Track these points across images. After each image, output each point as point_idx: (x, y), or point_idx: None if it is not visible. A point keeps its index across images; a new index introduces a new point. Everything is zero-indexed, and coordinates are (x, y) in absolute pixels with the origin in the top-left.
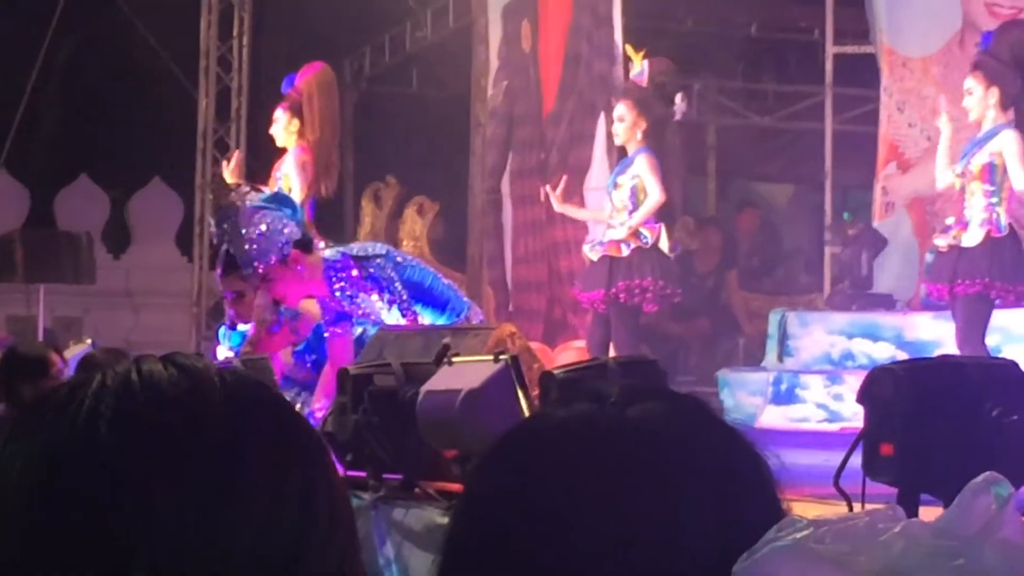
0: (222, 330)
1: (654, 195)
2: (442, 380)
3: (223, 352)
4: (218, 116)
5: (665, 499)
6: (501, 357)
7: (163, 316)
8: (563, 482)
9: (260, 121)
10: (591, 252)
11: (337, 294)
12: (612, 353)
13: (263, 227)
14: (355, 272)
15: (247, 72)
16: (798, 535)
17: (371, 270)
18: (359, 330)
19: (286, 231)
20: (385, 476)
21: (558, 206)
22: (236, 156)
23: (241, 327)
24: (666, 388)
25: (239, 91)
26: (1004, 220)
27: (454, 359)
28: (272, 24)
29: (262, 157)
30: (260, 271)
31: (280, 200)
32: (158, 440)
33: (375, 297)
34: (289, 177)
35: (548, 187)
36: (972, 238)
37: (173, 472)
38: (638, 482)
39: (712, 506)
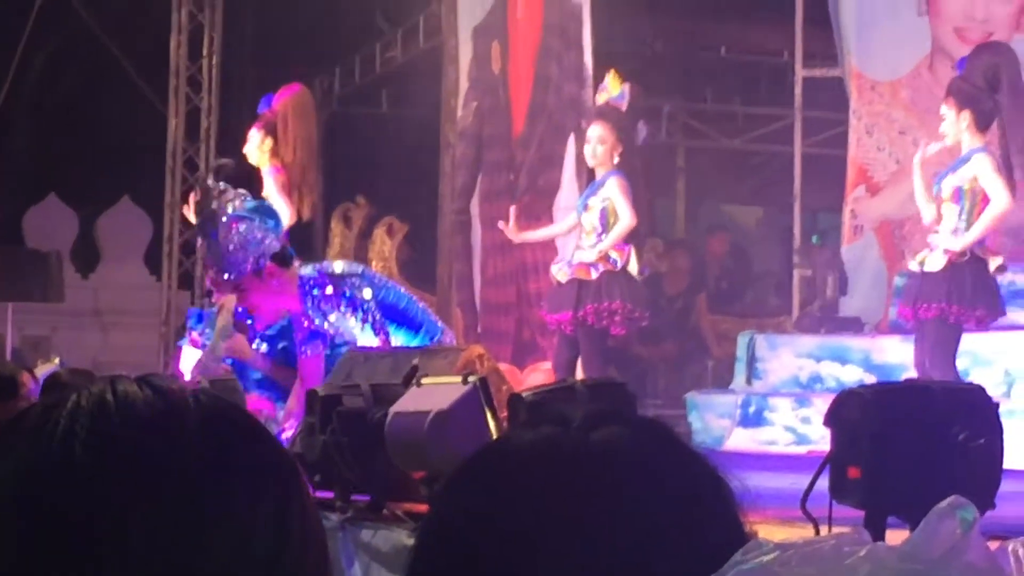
0: (192, 311)
1: (625, 218)
2: (410, 401)
3: (188, 355)
4: (188, 135)
5: (629, 523)
6: (470, 379)
7: (132, 335)
8: (528, 505)
9: (229, 141)
10: (559, 273)
11: (310, 311)
12: (580, 375)
13: (240, 237)
14: (330, 290)
15: (217, 92)
16: (764, 559)
17: (346, 289)
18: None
19: (265, 243)
20: (353, 497)
21: (516, 237)
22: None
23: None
24: (630, 412)
25: (209, 111)
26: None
27: (423, 380)
28: (242, 44)
29: (231, 177)
30: (233, 280)
31: (263, 211)
32: (132, 462)
33: (349, 316)
34: (271, 198)
35: (503, 221)
36: (935, 262)
37: (147, 494)
38: (602, 506)
39: (676, 530)
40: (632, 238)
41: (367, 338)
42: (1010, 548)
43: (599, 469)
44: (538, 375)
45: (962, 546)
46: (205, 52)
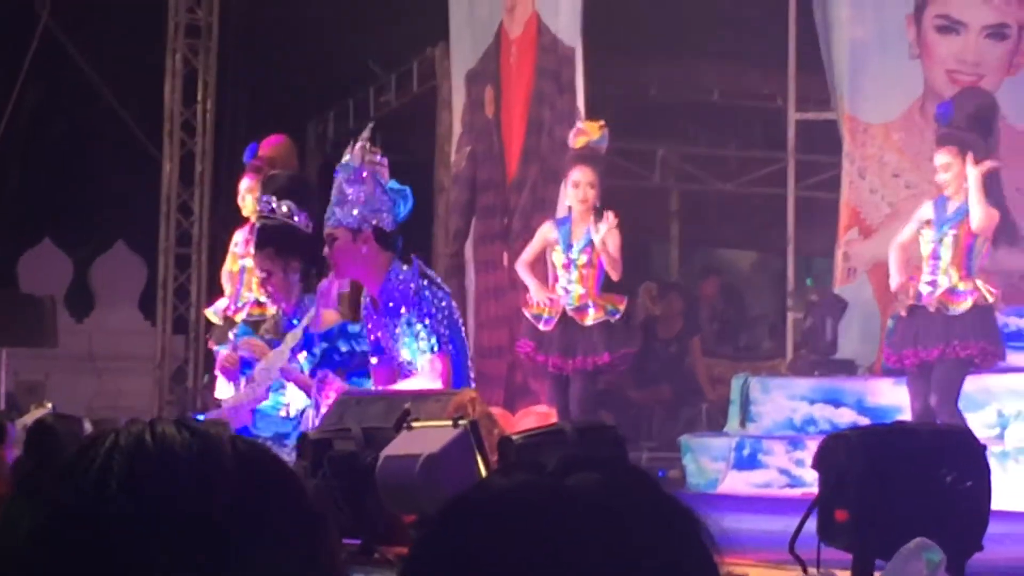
0: (241, 328)
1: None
2: (402, 445)
3: (223, 351)
4: (182, 180)
5: (600, 567)
6: (460, 422)
7: (126, 380)
8: (501, 550)
9: (224, 185)
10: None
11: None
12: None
13: (361, 195)
14: (412, 286)
15: (211, 136)
16: None
17: (427, 294)
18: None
19: (380, 213)
20: (344, 540)
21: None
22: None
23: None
24: (607, 458)
25: (203, 155)
26: (984, 288)
27: (414, 424)
28: (236, 89)
29: (226, 221)
30: (330, 226)
31: (399, 193)
32: (167, 506)
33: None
34: None
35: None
36: (962, 307)
37: (177, 540)
38: (573, 551)
39: (648, 573)
40: (621, 285)
41: (414, 353)
42: None
43: (571, 515)
44: (531, 419)
45: None
46: (199, 97)
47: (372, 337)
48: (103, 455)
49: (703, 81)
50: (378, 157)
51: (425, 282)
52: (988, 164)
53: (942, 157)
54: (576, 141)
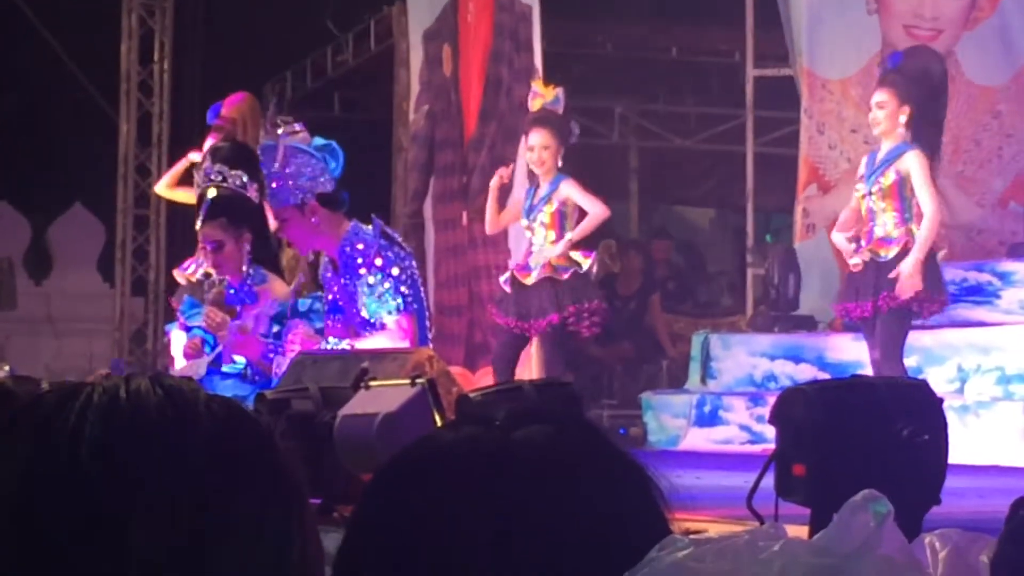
0: (186, 304)
1: (597, 210)
2: (359, 404)
3: (177, 339)
4: (139, 141)
5: (547, 520)
6: (418, 381)
7: (85, 342)
8: (448, 502)
9: (182, 146)
10: (528, 277)
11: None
12: (532, 375)
13: (290, 168)
14: (374, 246)
15: (168, 97)
16: (679, 554)
17: (389, 255)
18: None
19: (317, 179)
20: None
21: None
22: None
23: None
24: (556, 411)
25: (160, 116)
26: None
27: (371, 383)
28: (193, 49)
29: (185, 182)
30: (274, 209)
31: (328, 150)
32: (137, 469)
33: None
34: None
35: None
36: (890, 252)
37: (149, 502)
38: (521, 503)
39: (595, 527)
40: (583, 240)
41: (375, 309)
42: (926, 540)
43: (518, 467)
44: (491, 377)
45: (875, 539)
46: (156, 57)
47: (330, 296)
48: (76, 413)
49: (661, 38)
50: (295, 126)
51: (386, 242)
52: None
53: (879, 95)
54: (532, 104)
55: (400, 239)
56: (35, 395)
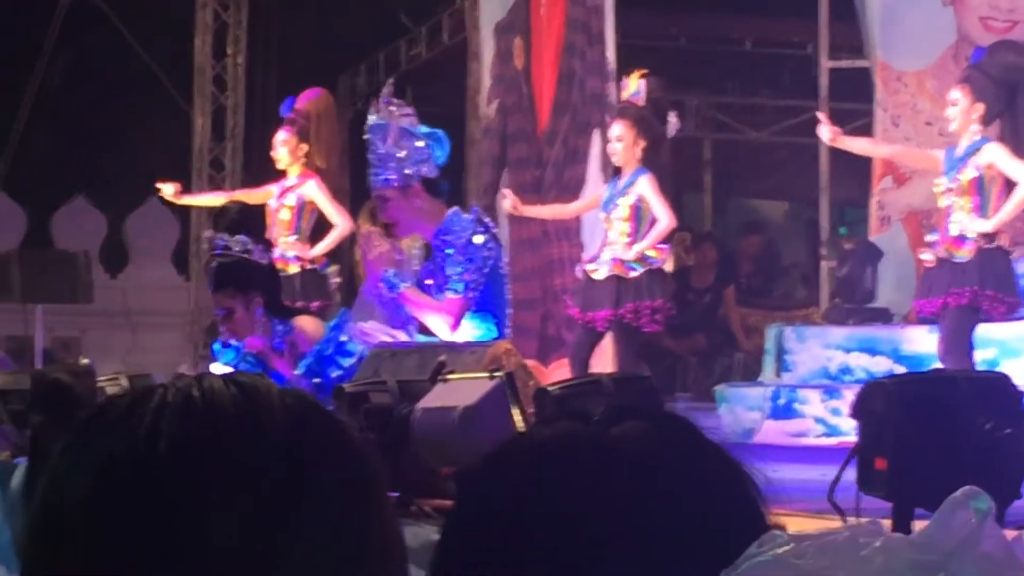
0: (216, 346)
1: (664, 219)
2: (437, 397)
3: (216, 369)
4: (214, 135)
5: (647, 516)
6: (496, 374)
7: (160, 335)
8: (546, 499)
9: (255, 139)
10: (596, 272)
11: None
12: (605, 369)
13: (401, 152)
14: (467, 233)
15: (242, 90)
16: (779, 550)
17: (477, 240)
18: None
19: (423, 164)
20: None
21: (520, 210)
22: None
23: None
24: (653, 408)
25: (235, 109)
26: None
27: (449, 376)
28: (267, 43)
29: (259, 175)
30: (379, 188)
31: (434, 137)
32: (214, 463)
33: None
34: (319, 202)
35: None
36: (964, 251)
37: (227, 497)
38: (620, 500)
39: (694, 523)
40: (667, 236)
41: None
42: None
43: (617, 464)
44: (564, 370)
45: (976, 536)
46: (230, 51)
47: (425, 282)
48: (151, 412)
49: (734, 30)
50: (406, 108)
51: (481, 228)
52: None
53: (953, 93)
54: (620, 95)
55: (495, 229)
56: (108, 397)
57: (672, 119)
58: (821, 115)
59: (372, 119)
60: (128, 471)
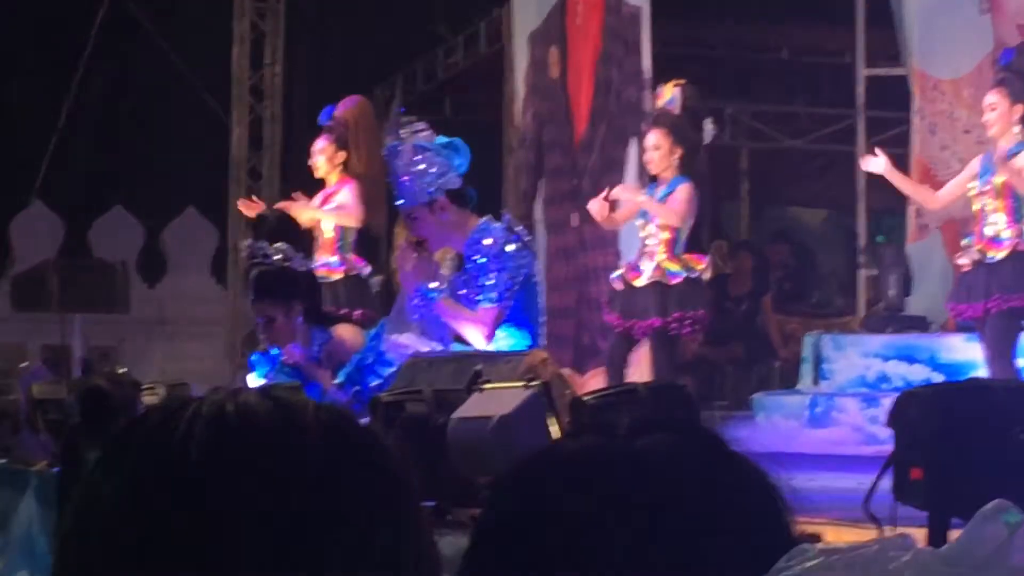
0: (254, 357)
1: (670, 222)
2: (473, 407)
3: (253, 381)
4: (251, 144)
5: (671, 529)
6: (532, 383)
7: (198, 344)
8: (569, 513)
9: (293, 149)
10: (637, 279)
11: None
12: (640, 377)
13: (420, 167)
14: (499, 241)
15: (279, 100)
16: (808, 564)
17: (509, 249)
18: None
19: (444, 176)
20: None
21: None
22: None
23: (273, 351)
24: (681, 418)
25: (272, 119)
26: None
27: (485, 386)
28: (304, 53)
29: (296, 184)
30: (405, 209)
31: (452, 147)
32: (247, 475)
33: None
34: (346, 209)
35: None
36: (998, 254)
37: (263, 510)
38: (645, 513)
39: (719, 536)
40: (697, 241)
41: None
42: None
43: (640, 476)
44: (599, 379)
45: (1007, 549)
46: (267, 61)
47: (459, 293)
48: (184, 423)
49: (771, 38)
50: (418, 125)
51: (513, 238)
52: None
53: (990, 97)
54: (656, 104)
55: (528, 239)
56: (143, 411)
57: (708, 127)
58: (879, 151)
59: (388, 142)
60: (157, 480)
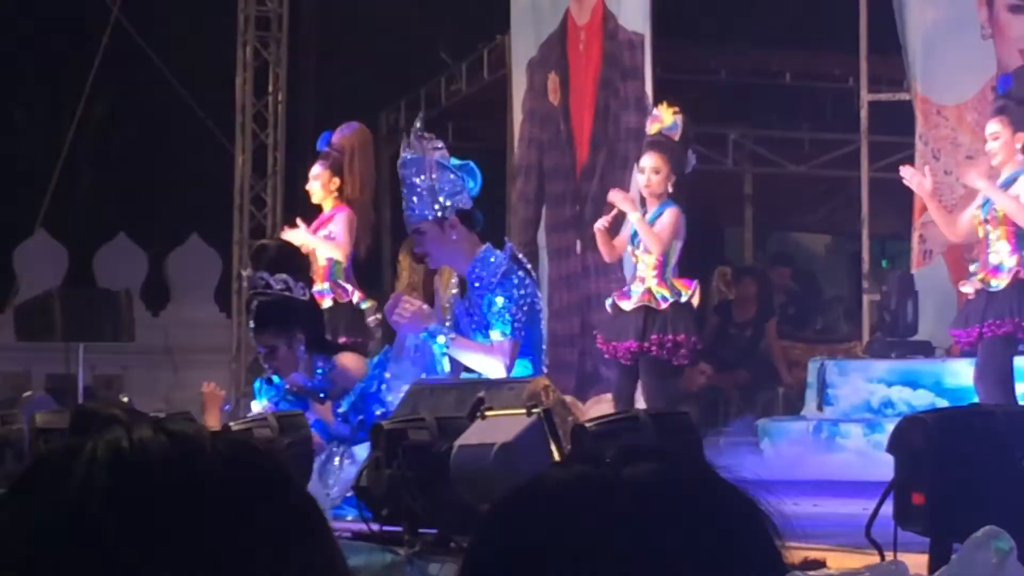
0: (257, 384)
1: (653, 249)
2: (475, 434)
3: (257, 407)
4: (255, 172)
5: (655, 559)
6: (534, 411)
7: (202, 373)
8: (555, 542)
9: (296, 176)
10: (626, 303)
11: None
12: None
13: (434, 183)
14: (502, 269)
15: (283, 128)
16: None
17: (514, 278)
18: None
19: (457, 196)
20: (420, 530)
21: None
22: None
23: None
24: (668, 447)
25: (275, 147)
26: None
27: (487, 413)
28: (307, 80)
29: (299, 212)
30: (414, 223)
31: (465, 169)
32: (150, 514)
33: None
34: (334, 241)
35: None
36: (1000, 282)
37: (165, 551)
38: (630, 542)
39: (705, 565)
40: (692, 267)
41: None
42: None
43: (626, 505)
44: (602, 406)
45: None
46: (271, 88)
47: (462, 320)
48: (82, 468)
49: (775, 63)
50: (436, 142)
51: (515, 266)
52: None
53: (992, 126)
54: (650, 128)
55: (529, 267)
56: (41, 452)
57: (690, 157)
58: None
59: (406, 154)
60: (60, 531)
